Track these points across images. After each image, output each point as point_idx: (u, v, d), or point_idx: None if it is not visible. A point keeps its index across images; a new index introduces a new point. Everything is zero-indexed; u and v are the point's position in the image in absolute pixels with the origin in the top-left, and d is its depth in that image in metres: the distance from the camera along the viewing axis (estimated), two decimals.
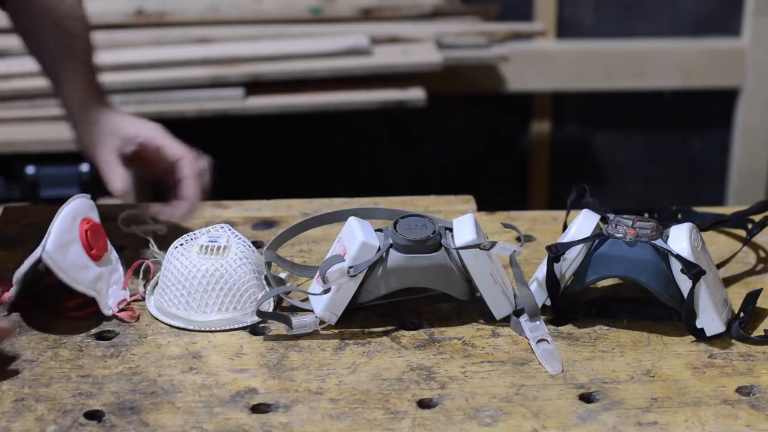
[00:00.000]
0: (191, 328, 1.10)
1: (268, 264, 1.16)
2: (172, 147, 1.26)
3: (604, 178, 3.07)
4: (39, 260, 1.08)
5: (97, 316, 1.12)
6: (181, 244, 1.14)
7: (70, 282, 1.09)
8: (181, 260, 1.12)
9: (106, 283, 1.14)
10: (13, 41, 2.50)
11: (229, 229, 1.15)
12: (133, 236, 1.30)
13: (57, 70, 1.31)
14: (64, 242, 1.10)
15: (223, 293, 1.11)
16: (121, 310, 1.13)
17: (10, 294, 1.12)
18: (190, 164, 1.24)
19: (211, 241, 1.13)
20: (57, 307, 1.13)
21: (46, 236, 1.08)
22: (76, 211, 1.14)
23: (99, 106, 1.29)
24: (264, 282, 1.15)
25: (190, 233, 1.15)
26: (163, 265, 1.14)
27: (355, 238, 1.09)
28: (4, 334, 1.06)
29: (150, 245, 1.24)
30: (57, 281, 1.17)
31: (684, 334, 1.10)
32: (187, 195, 1.24)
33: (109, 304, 1.13)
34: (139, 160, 1.27)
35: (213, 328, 1.10)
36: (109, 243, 1.19)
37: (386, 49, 2.57)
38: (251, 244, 1.15)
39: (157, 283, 1.15)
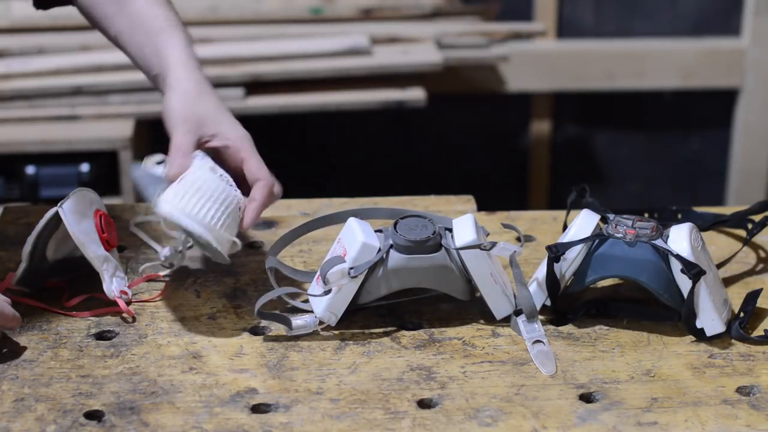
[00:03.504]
0: (197, 228, 1.08)
1: (270, 270, 1.16)
2: (255, 165, 1.19)
3: (604, 178, 3.07)
4: (46, 229, 1.10)
5: (97, 317, 1.12)
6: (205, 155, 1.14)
7: (80, 245, 1.09)
8: (216, 170, 1.12)
9: (111, 270, 1.14)
10: (14, 41, 2.51)
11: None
12: (134, 237, 1.30)
13: (156, 40, 1.24)
14: (79, 211, 1.12)
15: (226, 214, 1.11)
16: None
17: (15, 274, 1.14)
18: (265, 190, 1.17)
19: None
20: (57, 307, 1.13)
21: (61, 201, 1.10)
22: (91, 198, 1.15)
23: (199, 80, 1.23)
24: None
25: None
26: (191, 170, 1.13)
27: (355, 238, 1.09)
28: (9, 323, 1.06)
29: (156, 250, 1.24)
30: (60, 282, 1.17)
31: (684, 334, 1.10)
32: (246, 219, 1.16)
33: (112, 288, 1.13)
34: (213, 157, 1.23)
35: (209, 238, 1.09)
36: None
37: (386, 49, 2.57)
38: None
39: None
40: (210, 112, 1.20)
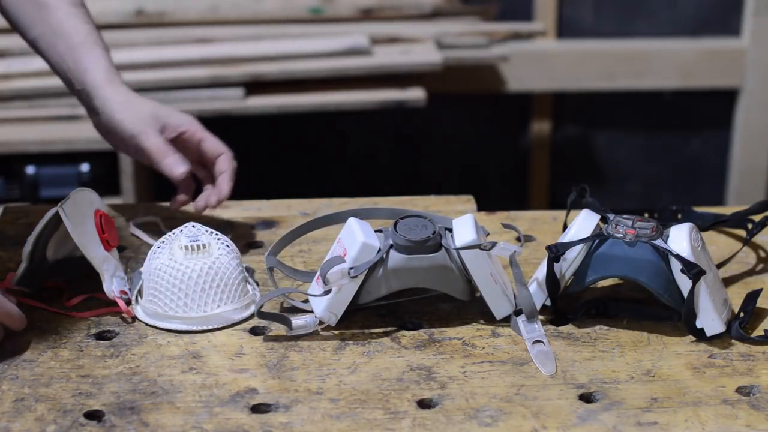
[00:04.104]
0: (193, 329, 1.10)
1: (270, 270, 1.16)
2: (213, 142, 1.28)
3: (604, 178, 3.07)
4: (45, 229, 1.10)
5: (97, 317, 1.12)
6: (158, 247, 1.13)
7: (80, 245, 1.09)
8: (170, 264, 1.11)
9: (111, 270, 1.14)
10: (13, 41, 2.51)
11: (201, 227, 1.14)
12: (134, 237, 1.30)
13: (77, 56, 1.28)
14: (79, 211, 1.12)
15: (220, 289, 1.11)
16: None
17: (15, 274, 1.14)
18: (229, 161, 1.27)
19: (192, 241, 1.13)
20: (57, 307, 1.13)
21: (62, 201, 1.10)
22: (91, 198, 1.15)
23: (128, 91, 1.28)
24: (246, 272, 1.16)
25: (163, 237, 1.15)
26: (145, 273, 1.14)
27: (355, 238, 1.09)
28: (17, 323, 1.06)
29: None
30: (60, 282, 1.17)
31: (684, 334, 1.10)
32: (224, 189, 1.27)
33: (112, 288, 1.13)
34: (174, 148, 1.26)
35: (215, 325, 1.10)
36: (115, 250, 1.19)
37: (386, 49, 2.57)
38: (225, 237, 1.15)
39: (140, 291, 1.15)
40: (154, 110, 1.27)
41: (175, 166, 1.23)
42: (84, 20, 1.31)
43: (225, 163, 1.28)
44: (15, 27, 1.34)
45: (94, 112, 1.29)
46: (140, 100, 1.28)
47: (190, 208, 1.30)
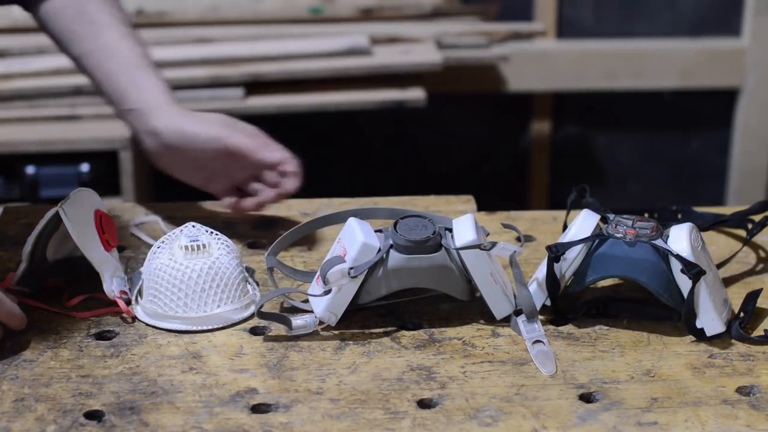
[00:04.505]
0: (193, 329, 1.10)
1: (270, 270, 1.16)
2: (275, 148, 1.27)
3: (604, 178, 3.07)
4: (45, 229, 1.10)
5: (97, 317, 1.12)
6: (158, 247, 1.13)
7: (80, 245, 1.09)
8: (170, 264, 1.11)
9: (111, 270, 1.14)
10: (14, 41, 2.51)
11: (201, 227, 1.14)
12: (134, 237, 1.30)
13: (132, 76, 1.28)
14: (79, 211, 1.12)
15: (220, 289, 1.11)
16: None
17: (15, 274, 1.14)
18: (292, 165, 1.27)
19: (192, 241, 1.13)
20: (57, 307, 1.13)
21: (62, 201, 1.10)
22: (91, 198, 1.15)
23: (189, 110, 1.28)
24: (246, 272, 1.16)
25: (163, 237, 1.15)
26: (145, 273, 1.14)
27: (355, 238, 1.09)
28: (18, 323, 1.06)
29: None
30: (60, 282, 1.17)
31: (684, 334, 1.10)
32: (287, 187, 1.27)
33: (112, 288, 1.13)
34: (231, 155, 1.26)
35: (215, 325, 1.10)
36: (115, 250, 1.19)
37: (386, 49, 2.57)
38: (225, 237, 1.15)
39: (139, 292, 1.15)
40: (222, 118, 1.27)
41: (275, 152, 1.23)
42: (137, 42, 1.31)
43: (288, 166, 1.27)
44: (57, 41, 1.34)
45: (150, 134, 1.27)
46: (205, 113, 1.27)
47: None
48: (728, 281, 1.21)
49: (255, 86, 2.42)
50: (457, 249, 1.09)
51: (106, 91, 1.30)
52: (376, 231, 1.11)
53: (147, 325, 1.11)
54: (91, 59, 1.30)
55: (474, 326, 1.12)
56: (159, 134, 1.26)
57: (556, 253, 1.10)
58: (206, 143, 1.24)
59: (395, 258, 1.09)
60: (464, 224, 1.10)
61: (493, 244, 1.09)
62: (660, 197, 3.03)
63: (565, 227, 1.23)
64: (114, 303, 1.13)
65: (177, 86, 2.38)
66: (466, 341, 1.09)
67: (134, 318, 1.12)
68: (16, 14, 2.57)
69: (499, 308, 1.11)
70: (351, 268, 1.08)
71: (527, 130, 3.02)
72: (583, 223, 1.13)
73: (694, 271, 1.06)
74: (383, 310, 1.13)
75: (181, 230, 1.14)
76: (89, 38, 1.30)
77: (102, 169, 2.36)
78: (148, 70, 1.30)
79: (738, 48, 2.90)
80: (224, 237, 1.15)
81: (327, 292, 1.08)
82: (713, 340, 1.09)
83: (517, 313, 1.11)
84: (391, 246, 1.09)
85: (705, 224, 1.29)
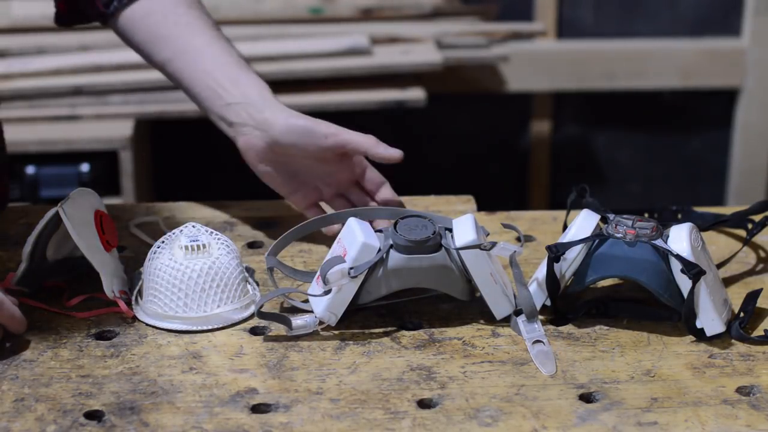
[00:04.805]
0: (193, 329, 1.10)
1: (270, 270, 1.16)
2: (358, 139, 1.25)
3: (604, 178, 3.07)
4: (45, 229, 1.10)
5: (97, 317, 1.12)
6: (158, 247, 1.13)
7: (80, 246, 1.09)
8: (170, 264, 1.11)
9: (111, 270, 1.14)
10: (14, 41, 2.51)
11: (201, 227, 1.14)
12: (134, 237, 1.30)
13: (232, 72, 1.26)
14: (79, 212, 1.12)
15: (220, 289, 1.11)
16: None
17: (15, 274, 1.14)
18: (382, 149, 1.23)
19: (192, 241, 1.13)
20: (57, 307, 1.13)
21: (62, 201, 1.10)
22: (91, 198, 1.15)
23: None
24: (246, 272, 1.16)
25: (163, 237, 1.14)
26: (145, 273, 1.14)
27: (355, 238, 1.09)
28: (18, 326, 1.06)
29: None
30: (60, 282, 1.17)
31: (684, 334, 1.10)
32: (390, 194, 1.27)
33: (112, 288, 1.13)
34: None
35: (215, 325, 1.10)
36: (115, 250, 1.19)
37: (386, 49, 2.57)
38: (225, 237, 1.15)
39: (139, 292, 1.15)
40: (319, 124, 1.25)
41: (393, 150, 1.21)
42: (229, 44, 1.30)
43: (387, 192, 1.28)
44: (140, 48, 1.33)
45: (258, 126, 1.24)
46: (305, 119, 1.25)
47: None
48: (728, 281, 1.21)
49: None
50: (457, 249, 1.09)
51: (198, 89, 1.27)
52: (376, 231, 1.11)
53: (147, 325, 1.11)
54: (179, 62, 1.28)
55: (474, 326, 1.12)
56: (271, 126, 1.22)
57: (556, 253, 1.10)
58: (323, 138, 1.22)
59: (395, 258, 1.09)
60: (464, 224, 1.10)
61: (493, 244, 1.09)
62: (660, 197, 3.03)
63: (565, 227, 1.23)
64: (114, 303, 1.13)
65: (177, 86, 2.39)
66: (466, 341, 1.09)
67: (134, 318, 1.12)
68: (16, 14, 2.57)
69: (499, 308, 1.11)
70: (351, 268, 1.08)
71: (527, 130, 3.02)
72: (583, 223, 1.13)
73: (694, 271, 1.06)
74: (383, 310, 1.13)
75: (181, 230, 1.14)
76: (177, 41, 1.28)
77: (102, 169, 2.36)
78: (245, 67, 1.28)
79: (738, 48, 2.90)
80: (224, 237, 1.15)
81: (327, 293, 1.08)
82: (713, 340, 1.09)
83: (517, 313, 1.11)
84: (391, 246, 1.09)
85: (705, 224, 1.29)
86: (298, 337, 1.09)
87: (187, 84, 1.28)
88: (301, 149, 1.23)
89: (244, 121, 1.24)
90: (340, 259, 1.08)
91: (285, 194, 1.29)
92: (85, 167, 2.33)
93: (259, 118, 1.23)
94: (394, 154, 1.21)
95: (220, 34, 1.31)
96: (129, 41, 1.34)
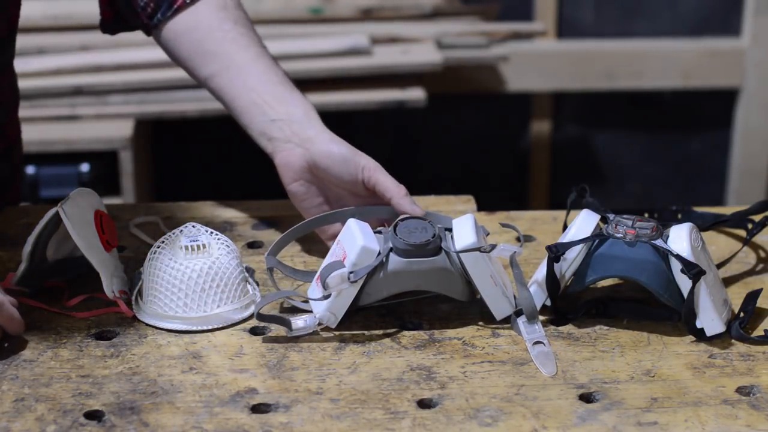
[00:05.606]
0: (193, 329, 1.10)
1: (270, 270, 1.16)
2: (389, 183, 1.23)
3: (604, 178, 3.07)
4: (45, 229, 1.10)
5: (97, 317, 1.12)
6: (158, 247, 1.13)
7: (80, 246, 1.09)
8: (170, 264, 1.11)
9: (111, 270, 1.14)
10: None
11: (201, 227, 1.14)
12: (134, 237, 1.30)
13: (277, 90, 1.25)
14: (79, 212, 1.12)
15: (220, 289, 1.11)
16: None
17: (15, 274, 1.14)
18: (407, 203, 1.20)
19: (192, 241, 1.13)
20: (57, 307, 1.13)
21: (62, 201, 1.10)
22: (91, 198, 1.15)
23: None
24: (246, 272, 1.16)
25: (163, 237, 1.14)
26: (145, 273, 1.14)
27: (355, 242, 1.08)
28: (17, 328, 1.06)
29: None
30: (60, 282, 1.17)
31: (684, 334, 1.10)
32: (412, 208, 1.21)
33: (112, 288, 1.13)
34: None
35: (215, 325, 1.10)
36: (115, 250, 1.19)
37: (386, 49, 2.57)
38: (225, 237, 1.15)
39: (139, 292, 1.15)
40: (349, 151, 1.24)
41: (416, 207, 1.19)
42: (274, 62, 1.29)
43: (403, 206, 1.21)
44: (182, 61, 1.32)
45: (300, 144, 1.22)
46: (337, 141, 1.24)
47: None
48: (728, 281, 1.21)
49: None
50: (457, 252, 1.09)
51: (241, 104, 1.26)
52: (375, 232, 1.11)
53: (147, 325, 1.11)
54: (223, 77, 1.27)
55: (474, 326, 1.12)
56: (314, 144, 1.21)
57: (556, 253, 1.10)
58: (359, 169, 1.21)
59: (395, 261, 1.09)
60: (464, 226, 1.10)
61: (493, 247, 1.09)
62: (660, 197, 3.04)
63: (565, 227, 1.23)
64: (114, 303, 1.13)
65: (178, 86, 2.39)
66: (466, 341, 1.09)
67: (134, 318, 1.12)
68: None
69: (500, 309, 1.11)
70: (350, 273, 1.07)
71: (527, 130, 3.02)
72: (583, 223, 1.13)
73: (694, 271, 1.06)
74: (383, 310, 1.13)
75: (181, 230, 1.14)
76: (222, 57, 1.27)
77: (102, 169, 2.36)
78: (291, 86, 1.27)
79: (738, 48, 2.90)
80: (224, 237, 1.15)
81: (326, 297, 1.08)
82: (713, 340, 1.09)
83: (518, 313, 1.11)
84: (391, 249, 1.09)
85: (705, 224, 1.29)
86: (298, 338, 1.09)
87: (230, 99, 1.28)
88: (335, 176, 1.22)
89: (287, 137, 1.23)
90: (339, 264, 1.08)
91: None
92: (85, 167, 2.34)
93: (303, 136, 1.22)
94: (416, 210, 1.18)
95: (265, 51, 1.30)
96: (172, 54, 1.34)
